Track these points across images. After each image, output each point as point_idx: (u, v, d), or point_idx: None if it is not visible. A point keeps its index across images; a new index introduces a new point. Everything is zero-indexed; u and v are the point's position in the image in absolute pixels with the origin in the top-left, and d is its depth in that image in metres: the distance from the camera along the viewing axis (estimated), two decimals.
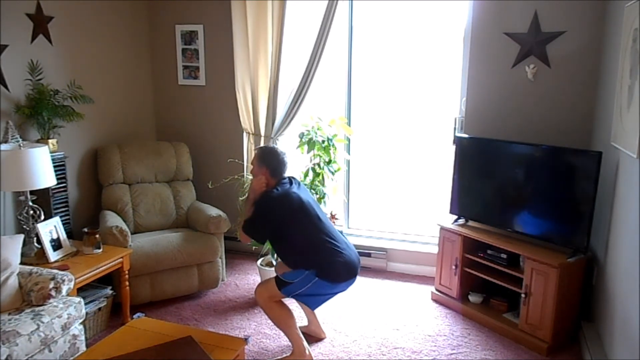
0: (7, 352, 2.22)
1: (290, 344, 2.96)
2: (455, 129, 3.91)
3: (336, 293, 2.88)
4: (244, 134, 4.39)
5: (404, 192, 4.82)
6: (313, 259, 2.77)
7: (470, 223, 3.67)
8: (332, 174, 3.87)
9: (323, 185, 3.83)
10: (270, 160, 2.89)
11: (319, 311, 3.22)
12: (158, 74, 4.63)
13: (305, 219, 2.84)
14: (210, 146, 4.55)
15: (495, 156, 3.50)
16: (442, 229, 3.67)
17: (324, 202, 3.84)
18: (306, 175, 3.85)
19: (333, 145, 3.84)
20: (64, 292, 2.65)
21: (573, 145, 3.35)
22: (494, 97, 3.70)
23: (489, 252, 3.42)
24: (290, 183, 2.93)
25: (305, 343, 2.92)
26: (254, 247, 4.01)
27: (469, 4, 3.72)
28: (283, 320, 2.87)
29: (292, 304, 3.10)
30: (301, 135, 3.83)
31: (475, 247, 3.50)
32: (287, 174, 2.97)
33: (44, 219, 3.15)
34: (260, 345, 3.15)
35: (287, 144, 4.17)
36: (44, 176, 3.01)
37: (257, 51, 4.10)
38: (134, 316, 3.16)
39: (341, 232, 3.06)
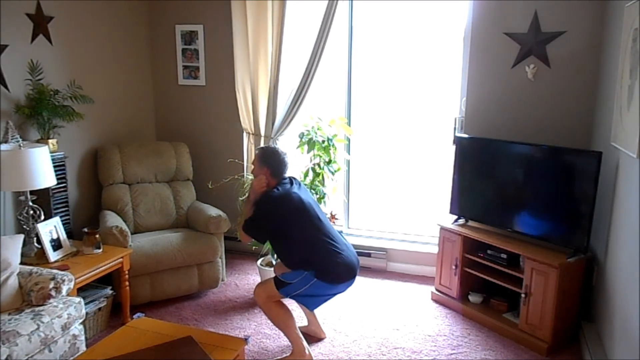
0: (7, 352, 2.22)
1: (289, 344, 2.96)
2: (455, 129, 3.91)
3: (335, 294, 2.88)
4: (244, 134, 4.39)
5: (404, 192, 4.82)
6: (312, 259, 2.77)
7: (470, 223, 3.67)
8: (332, 174, 3.87)
9: (323, 185, 3.83)
10: (271, 160, 2.89)
11: (319, 311, 3.22)
12: (158, 74, 4.63)
13: (305, 219, 2.84)
14: (210, 146, 4.55)
15: (495, 156, 3.50)
16: (442, 229, 3.67)
17: (324, 202, 3.84)
18: (306, 175, 3.85)
19: (333, 145, 3.84)
20: (64, 292, 2.65)
21: (573, 145, 3.35)
22: (494, 97, 3.70)
23: (489, 252, 3.42)
24: (291, 183, 2.93)
25: (305, 343, 2.92)
26: (254, 247, 4.01)
27: (469, 4, 3.72)
28: (282, 320, 2.87)
29: (291, 304, 3.09)
30: (301, 135, 3.83)
31: (475, 247, 3.50)
32: (287, 174, 2.97)
33: (44, 219, 3.15)
34: (260, 345, 3.15)
35: (287, 144, 4.17)
36: (44, 176, 3.01)
37: (257, 51, 4.10)
38: (134, 316, 3.15)
39: (340, 233, 3.06)
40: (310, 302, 2.87)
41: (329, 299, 2.88)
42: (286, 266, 2.90)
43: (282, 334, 3.20)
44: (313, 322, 3.23)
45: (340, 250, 2.81)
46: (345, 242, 2.93)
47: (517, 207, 3.38)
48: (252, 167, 3.00)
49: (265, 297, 2.85)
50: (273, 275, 2.95)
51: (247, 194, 3.18)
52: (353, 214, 4.59)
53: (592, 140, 3.45)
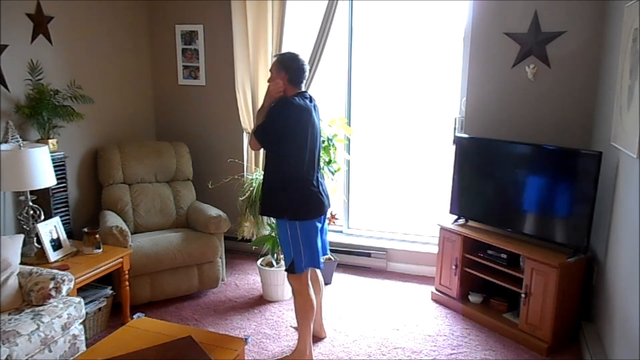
0: (7, 352, 2.22)
1: (289, 344, 2.96)
2: (455, 129, 3.91)
3: (319, 235, 2.86)
4: (244, 134, 4.39)
5: (404, 192, 4.82)
6: (291, 189, 2.74)
7: (470, 223, 3.67)
8: (332, 174, 3.87)
9: None
10: (290, 64, 2.72)
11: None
12: (158, 74, 4.63)
13: (308, 144, 2.75)
14: (210, 146, 4.55)
15: (496, 156, 3.50)
16: (442, 229, 3.67)
17: None
18: None
19: (333, 145, 3.84)
20: (64, 292, 2.65)
21: (573, 145, 3.35)
22: (494, 97, 3.70)
23: (489, 252, 3.42)
24: (310, 100, 2.82)
25: (310, 341, 2.93)
26: (254, 247, 4.01)
27: (469, 4, 3.72)
28: (305, 310, 2.87)
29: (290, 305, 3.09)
30: None
31: (475, 247, 3.50)
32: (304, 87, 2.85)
33: (44, 219, 3.15)
34: (260, 345, 3.15)
35: None
36: (44, 176, 3.01)
37: (257, 51, 4.10)
38: (134, 316, 3.15)
39: (321, 167, 2.99)
40: (316, 257, 2.83)
41: (317, 244, 2.83)
42: (263, 198, 2.85)
43: (282, 334, 3.21)
44: (317, 320, 3.21)
45: (316, 185, 2.79)
46: (322, 178, 2.90)
47: (517, 207, 3.38)
48: (270, 74, 2.82)
49: (297, 280, 2.85)
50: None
51: (261, 102, 2.94)
52: (353, 214, 4.59)
53: (592, 140, 3.45)
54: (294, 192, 2.75)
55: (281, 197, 2.76)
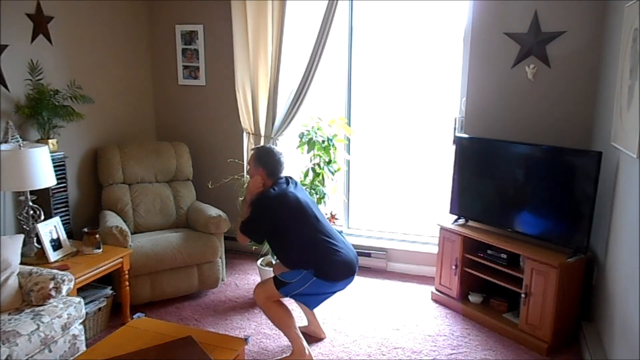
0: (7, 352, 2.22)
1: (289, 344, 2.96)
2: (455, 129, 3.91)
3: (334, 292, 2.89)
4: (244, 134, 4.39)
5: (404, 192, 4.82)
6: (310, 258, 2.78)
7: (470, 223, 3.67)
8: (332, 174, 3.87)
9: (323, 185, 3.83)
10: (266, 160, 2.89)
11: (319, 311, 3.23)
12: (158, 74, 4.63)
13: (302, 219, 2.83)
14: (210, 146, 4.55)
15: (495, 156, 3.50)
16: (442, 229, 3.67)
17: (324, 202, 3.84)
18: (306, 175, 3.85)
19: (333, 145, 3.84)
20: (64, 292, 2.65)
21: (573, 145, 3.35)
22: (494, 97, 3.70)
23: (489, 252, 3.42)
24: (287, 183, 2.93)
25: (304, 343, 2.92)
26: (254, 247, 4.01)
27: (469, 4, 3.72)
28: (282, 320, 2.87)
29: (291, 303, 3.09)
30: (301, 135, 3.83)
31: (475, 247, 3.50)
32: (284, 174, 2.96)
33: (44, 219, 3.15)
34: (260, 345, 3.15)
35: (287, 144, 4.17)
36: (44, 176, 3.01)
37: (257, 51, 4.10)
38: (134, 316, 3.16)
39: (340, 232, 3.06)
40: (310, 301, 2.87)
41: (328, 297, 2.88)
42: (285, 266, 2.90)
43: (282, 334, 3.21)
44: (313, 322, 3.23)
45: (338, 248, 2.81)
46: (343, 240, 2.93)
47: (517, 207, 3.38)
48: (248, 167, 2.99)
49: (265, 297, 2.85)
50: (272, 275, 2.95)
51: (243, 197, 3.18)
52: (353, 214, 4.59)
53: (592, 140, 3.45)
54: (317, 257, 2.78)
55: (306, 262, 2.79)
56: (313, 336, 3.21)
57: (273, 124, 4.17)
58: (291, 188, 2.89)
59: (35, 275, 2.67)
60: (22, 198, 3.11)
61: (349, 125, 4.14)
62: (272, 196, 2.81)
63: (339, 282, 2.82)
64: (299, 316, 3.27)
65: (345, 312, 3.58)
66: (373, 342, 3.19)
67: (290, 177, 3.00)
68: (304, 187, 3.23)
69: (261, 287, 2.89)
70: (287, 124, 4.16)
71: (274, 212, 2.80)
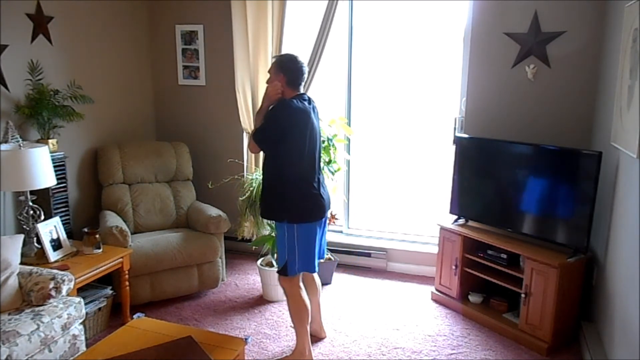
0: (7, 352, 2.22)
1: (289, 344, 2.96)
2: (455, 129, 3.91)
3: (317, 238, 2.85)
4: (244, 134, 4.39)
5: (404, 192, 4.82)
6: (291, 191, 2.72)
7: (470, 223, 3.67)
8: (332, 174, 3.87)
9: None
10: (288, 67, 2.71)
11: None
12: (158, 74, 4.63)
13: (308, 145, 2.74)
14: (210, 146, 4.55)
15: (495, 156, 3.50)
16: (442, 229, 3.67)
17: None
18: None
19: (333, 145, 3.84)
20: (64, 292, 2.65)
21: (573, 145, 3.35)
22: (494, 97, 3.70)
23: (489, 252, 3.42)
24: (309, 102, 2.80)
25: (309, 343, 2.93)
26: (254, 247, 4.01)
27: (469, 4, 3.72)
28: (300, 312, 2.87)
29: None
30: None
31: (475, 247, 3.50)
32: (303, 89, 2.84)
33: (44, 219, 3.15)
34: (260, 345, 3.15)
35: None
36: (44, 176, 3.01)
37: (257, 51, 4.10)
38: (134, 316, 3.15)
39: (322, 168, 2.99)
40: (311, 262, 2.83)
41: (314, 247, 2.82)
42: (263, 200, 2.85)
43: (282, 334, 3.21)
44: (317, 320, 3.22)
45: (316, 187, 2.78)
46: (322, 180, 2.89)
47: (517, 207, 3.38)
48: (268, 75, 2.82)
49: (288, 283, 2.85)
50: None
51: (260, 103, 2.92)
52: (353, 214, 4.59)
53: (592, 140, 3.45)
54: (294, 194, 2.74)
55: (280, 200, 2.76)
56: (314, 335, 3.20)
57: None
58: (311, 109, 2.77)
59: (35, 275, 2.67)
60: (22, 198, 3.11)
61: (349, 125, 4.13)
62: (294, 107, 2.66)
63: (314, 223, 2.78)
64: None
65: (345, 312, 3.58)
66: (373, 342, 3.19)
67: (311, 98, 2.87)
68: None
69: (280, 277, 2.88)
70: None
71: (291, 122, 2.66)
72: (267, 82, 2.80)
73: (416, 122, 4.61)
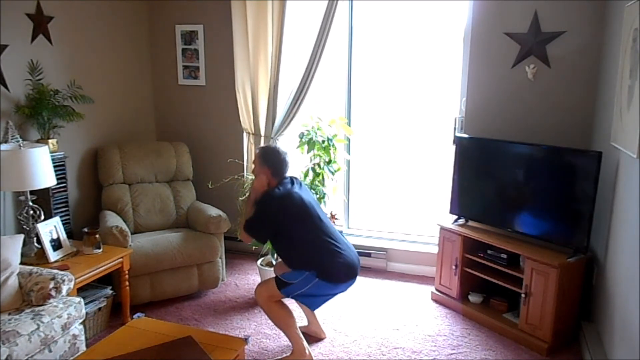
0: (7, 352, 2.22)
1: (289, 344, 2.96)
2: (455, 129, 3.91)
3: (336, 294, 2.89)
4: (244, 134, 4.39)
5: (404, 192, 4.82)
6: (313, 259, 2.78)
7: (470, 223, 3.67)
8: (332, 174, 3.87)
9: (323, 185, 3.83)
10: (272, 160, 2.88)
11: (319, 311, 3.22)
12: (158, 74, 4.63)
13: (306, 219, 2.84)
14: (210, 146, 4.55)
15: (495, 156, 3.50)
16: (442, 229, 3.67)
17: (324, 202, 3.84)
18: (306, 175, 3.85)
19: (333, 145, 3.84)
20: (64, 292, 2.65)
21: (573, 145, 3.35)
22: (494, 97, 3.70)
23: (489, 252, 3.42)
24: (292, 183, 2.92)
25: (305, 343, 2.92)
26: (254, 247, 4.01)
27: (469, 4, 3.72)
28: (283, 320, 2.87)
29: (291, 303, 3.09)
30: (301, 135, 3.83)
31: (475, 247, 3.50)
32: (288, 174, 2.96)
33: (44, 219, 3.15)
34: (260, 345, 3.15)
35: (287, 144, 4.17)
36: (44, 176, 3.01)
37: (257, 51, 4.10)
38: (134, 316, 3.16)
39: (341, 232, 3.06)
40: (311, 302, 2.87)
41: (330, 298, 2.89)
42: (288, 266, 2.90)
43: (282, 334, 3.21)
44: (313, 322, 3.23)
45: (341, 249, 2.81)
46: (346, 242, 2.93)
47: (517, 207, 3.38)
48: (253, 166, 2.99)
49: (266, 297, 2.85)
50: (273, 275, 2.95)
51: (247, 194, 3.18)
52: (353, 214, 4.59)
53: (592, 140, 3.45)
54: (320, 259, 2.78)
55: (309, 263, 2.79)
56: (313, 336, 3.21)
57: (273, 124, 4.17)
58: (296, 188, 2.89)
59: (35, 275, 2.67)
60: (22, 198, 3.11)
61: (349, 125, 4.13)
62: (277, 196, 2.80)
63: (342, 284, 2.82)
64: (299, 316, 3.27)
65: (345, 312, 3.58)
66: (373, 342, 3.19)
67: (295, 178, 3.00)
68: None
69: (263, 287, 2.89)
70: (287, 124, 4.16)
71: (278, 211, 2.79)
72: (252, 172, 3.02)
73: (416, 122, 4.61)
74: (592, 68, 3.42)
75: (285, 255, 2.94)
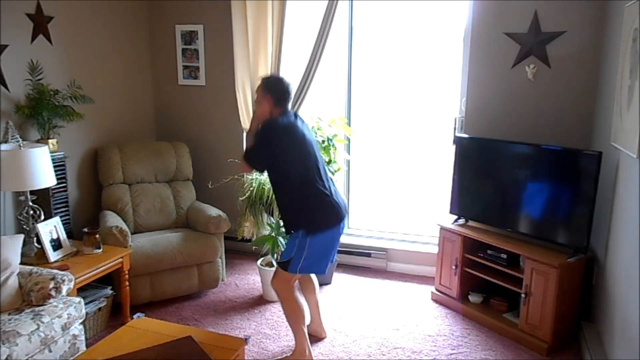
0: (7, 352, 2.22)
1: (289, 344, 2.96)
2: (455, 129, 3.91)
3: (334, 244, 2.88)
4: (244, 133, 4.39)
5: (404, 192, 4.82)
6: (303, 203, 2.76)
7: (470, 223, 3.67)
8: (332, 174, 3.87)
9: None
10: (275, 88, 2.80)
11: (319, 311, 3.22)
12: (158, 74, 4.63)
13: (304, 156, 2.79)
14: (210, 146, 4.55)
15: (495, 156, 3.50)
16: (442, 229, 3.67)
17: None
18: None
19: (333, 145, 3.84)
20: (64, 292, 2.65)
21: (573, 145, 3.35)
22: (494, 97, 3.70)
23: (489, 252, 3.42)
24: (295, 117, 2.88)
25: (308, 343, 2.92)
26: (254, 247, 4.01)
27: (469, 4, 3.72)
28: (295, 314, 2.87)
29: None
30: None
31: (475, 247, 3.50)
32: (290, 106, 2.91)
33: (44, 219, 3.15)
34: (260, 345, 3.15)
35: None
36: (44, 176, 3.01)
37: (257, 51, 4.10)
38: (134, 316, 3.16)
39: (331, 178, 3.02)
40: (318, 266, 2.85)
41: (331, 254, 2.88)
42: (281, 218, 2.88)
43: (282, 334, 3.21)
44: (316, 320, 3.22)
45: (331, 197, 2.79)
46: (334, 187, 2.90)
47: (517, 207, 3.38)
48: (256, 95, 2.90)
49: (282, 284, 2.84)
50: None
51: (249, 124, 3.03)
52: (353, 214, 4.59)
53: (592, 140, 3.45)
54: (309, 205, 2.77)
55: (298, 213, 2.78)
56: (314, 335, 3.20)
57: None
58: (299, 123, 2.84)
59: (35, 275, 2.67)
60: (22, 198, 3.11)
61: (349, 125, 4.14)
62: (280, 124, 2.75)
63: (334, 229, 2.80)
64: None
65: (345, 312, 3.58)
66: (373, 342, 3.20)
67: (297, 114, 2.95)
68: None
69: (274, 278, 2.88)
70: None
71: (280, 139, 2.73)
72: (255, 101, 2.89)
73: (416, 122, 4.61)
74: (592, 68, 3.42)
75: (279, 193, 2.88)
